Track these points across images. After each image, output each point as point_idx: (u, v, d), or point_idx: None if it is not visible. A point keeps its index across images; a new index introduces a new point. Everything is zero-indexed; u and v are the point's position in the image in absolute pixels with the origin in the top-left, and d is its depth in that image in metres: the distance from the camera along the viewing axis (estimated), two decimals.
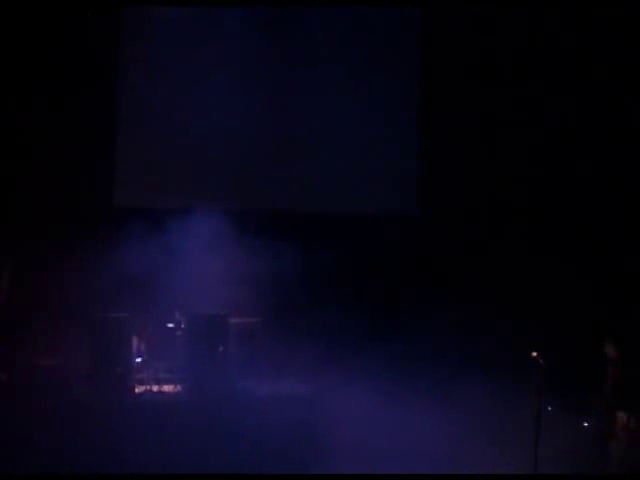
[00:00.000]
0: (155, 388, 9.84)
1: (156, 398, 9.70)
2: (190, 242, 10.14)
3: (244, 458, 9.01)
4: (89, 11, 11.23)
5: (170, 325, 10.39)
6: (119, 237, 10.15)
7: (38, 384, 9.40)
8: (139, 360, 10.08)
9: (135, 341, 10.01)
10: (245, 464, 8.97)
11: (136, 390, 9.76)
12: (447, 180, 11.89)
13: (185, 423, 9.27)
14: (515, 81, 11.78)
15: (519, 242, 11.60)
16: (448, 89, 11.88)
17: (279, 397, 9.74)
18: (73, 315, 10.11)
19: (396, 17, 12.06)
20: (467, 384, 9.64)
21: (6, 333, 9.82)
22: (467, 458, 9.20)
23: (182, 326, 10.29)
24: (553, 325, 9.07)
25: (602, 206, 11.62)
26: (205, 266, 10.00)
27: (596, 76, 11.59)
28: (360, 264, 11.53)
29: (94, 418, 9.17)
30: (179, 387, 9.87)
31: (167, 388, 9.87)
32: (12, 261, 10.45)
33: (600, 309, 11.27)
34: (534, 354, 8.25)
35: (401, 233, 11.76)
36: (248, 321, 10.25)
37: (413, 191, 12.11)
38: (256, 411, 9.38)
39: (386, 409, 9.51)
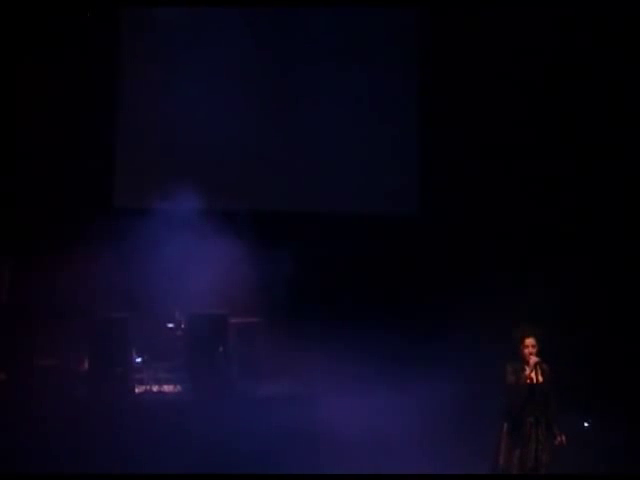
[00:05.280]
0: (155, 388, 9.84)
1: (156, 398, 9.70)
2: (190, 242, 10.14)
3: (244, 458, 9.01)
4: (89, 11, 11.24)
5: (170, 325, 10.39)
6: (119, 237, 10.15)
7: (38, 384, 9.40)
8: (139, 360, 10.08)
9: (135, 341, 10.00)
10: (245, 464, 8.97)
11: (136, 390, 9.76)
12: (447, 180, 11.89)
13: (185, 423, 9.26)
14: (515, 80, 11.78)
15: (519, 242, 11.60)
16: (448, 89, 11.89)
17: (279, 397, 9.74)
18: (73, 315, 10.10)
19: (396, 17, 12.07)
20: (468, 385, 9.65)
21: (6, 333, 9.82)
22: (468, 457, 9.21)
23: (182, 326, 10.29)
24: (553, 325, 9.05)
25: (604, 206, 11.63)
26: (205, 266, 9.99)
27: (598, 77, 11.60)
28: (360, 264, 11.53)
29: (94, 418, 9.16)
30: (179, 387, 9.86)
31: (167, 388, 9.87)
32: (12, 261, 10.46)
33: (601, 309, 11.30)
34: (535, 359, 8.23)
35: (401, 233, 11.76)
36: (248, 321, 10.24)
37: (413, 191, 12.11)
38: (256, 411, 9.37)
39: (386, 409, 9.52)
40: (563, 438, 8.24)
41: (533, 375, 8.21)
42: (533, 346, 8.24)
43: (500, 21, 11.54)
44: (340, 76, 11.95)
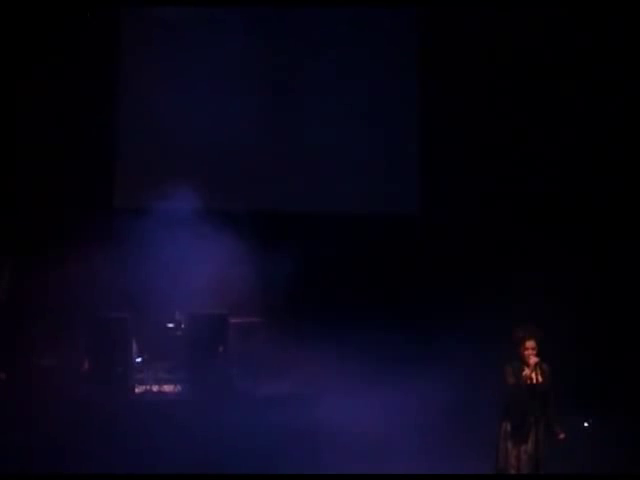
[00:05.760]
0: (155, 388, 9.83)
1: (156, 398, 9.69)
2: (190, 242, 10.14)
3: (244, 458, 9.01)
4: (89, 11, 11.24)
5: (170, 325, 10.38)
6: (119, 237, 10.15)
7: (38, 384, 9.40)
8: (139, 360, 10.08)
9: (135, 341, 10.00)
10: (245, 464, 8.97)
11: (136, 390, 9.75)
12: (447, 180, 11.89)
13: (185, 423, 9.26)
14: (515, 81, 11.78)
15: (519, 242, 11.59)
16: (448, 89, 11.89)
17: (279, 397, 9.73)
18: (73, 315, 10.11)
19: (396, 17, 12.06)
20: (468, 385, 9.64)
21: (6, 333, 9.82)
22: (468, 457, 9.21)
23: (182, 326, 10.28)
24: (553, 325, 9.06)
25: (604, 206, 11.63)
26: (205, 266, 9.99)
27: (599, 76, 11.60)
28: (360, 264, 11.53)
29: (94, 418, 9.16)
30: (179, 387, 9.86)
31: (167, 388, 9.86)
32: (12, 261, 10.46)
33: (601, 309, 11.29)
34: (535, 359, 8.23)
35: (401, 233, 11.76)
36: (248, 321, 10.24)
37: (413, 191, 12.11)
38: (256, 411, 9.37)
39: (387, 409, 9.52)
40: (563, 437, 8.25)
41: (533, 375, 8.22)
42: (533, 348, 8.25)
43: (500, 21, 11.54)
44: (340, 76, 11.95)
